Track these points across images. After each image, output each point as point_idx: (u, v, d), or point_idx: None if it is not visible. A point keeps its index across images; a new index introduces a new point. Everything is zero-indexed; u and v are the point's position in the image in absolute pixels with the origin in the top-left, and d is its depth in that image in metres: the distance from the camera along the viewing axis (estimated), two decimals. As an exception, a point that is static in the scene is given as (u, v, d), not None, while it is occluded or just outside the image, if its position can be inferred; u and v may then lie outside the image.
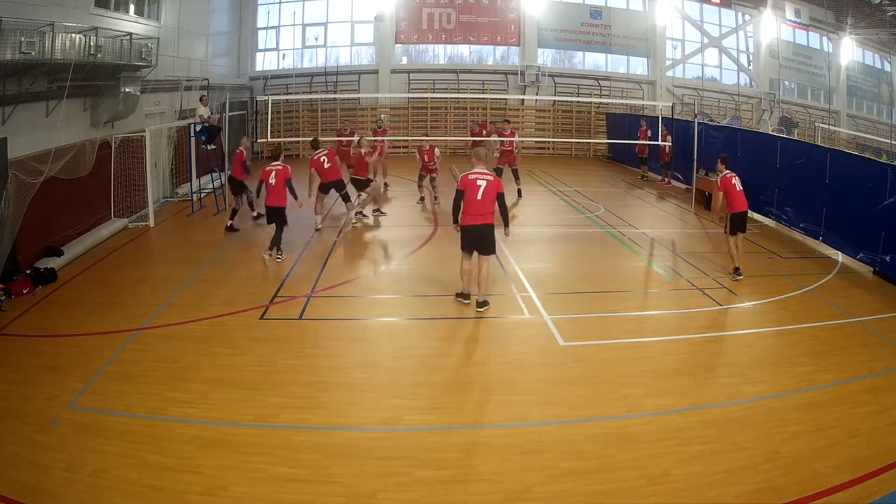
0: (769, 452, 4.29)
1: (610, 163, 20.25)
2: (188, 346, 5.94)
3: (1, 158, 7.55)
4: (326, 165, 10.19)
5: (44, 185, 7.95)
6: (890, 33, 23.92)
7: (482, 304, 6.91)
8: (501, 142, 13.03)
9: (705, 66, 24.71)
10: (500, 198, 6.80)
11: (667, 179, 15.92)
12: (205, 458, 4.18)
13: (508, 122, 14.67)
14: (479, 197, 6.70)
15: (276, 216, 8.63)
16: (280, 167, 8.68)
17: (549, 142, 21.80)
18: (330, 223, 10.89)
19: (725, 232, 8.33)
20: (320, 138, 11.54)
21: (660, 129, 13.78)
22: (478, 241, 6.83)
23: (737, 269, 8.18)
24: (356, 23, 21.81)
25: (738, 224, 8.20)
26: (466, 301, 7.06)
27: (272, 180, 8.58)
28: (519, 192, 13.32)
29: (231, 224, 10.41)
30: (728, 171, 8.32)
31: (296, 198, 8.72)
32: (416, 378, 5.42)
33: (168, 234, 10.61)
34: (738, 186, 8.23)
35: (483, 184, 6.71)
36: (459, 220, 6.91)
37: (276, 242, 8.55)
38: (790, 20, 23.78)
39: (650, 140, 15.48)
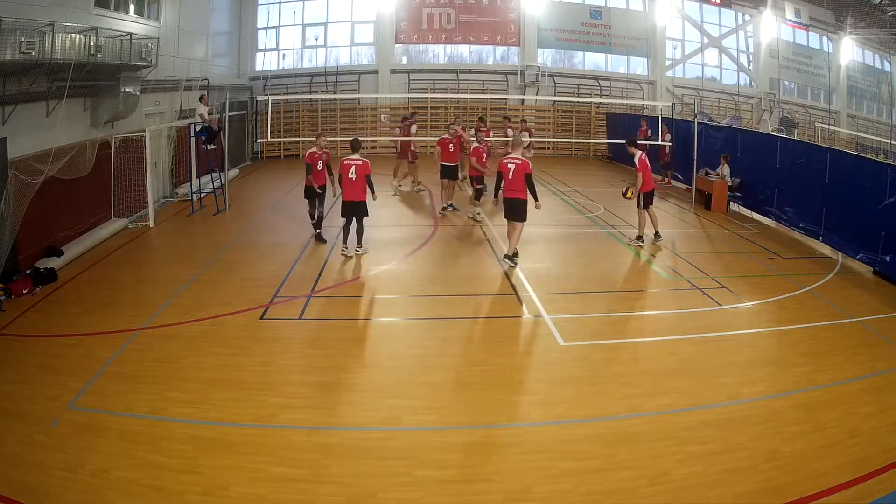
0: (769, 452, 4.29)
1: (610, 163, 20.25)
2: (188, 346, 5.93)
3: (1, 158, 7.54)
4: (451, 150, 11.47)
5: (44, 185, 7.94)
6: (890, 33, 23.93)
7: (509, 257, 8.47)
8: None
9: (705, 66, 24.71)
10: (528, 178, 8.30)
11: (667, 179, 15.91)
12: (205, 458, 4.18)
13: (483, 123, 13.15)
14: (510, 176, 8.30)
15: (357, 210, 8.70)
16: (360, 162, 8.59)
17: (549, 142, 21.79)
18: (328, 223, 10.88)
19: (639, 207, 9.74)
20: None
21: (660, 129, 13.78)
22: (510, 210, 8.46)
23: (640, 238, 9.83)
24: (356, 23, 21.83)
25: (649, 200, 9.70)
26: (514, 264, 8.45)
27: (352, 175, 8.51)
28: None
29: (319, 233, 9.78)
30: (642, 152, 9.77)
31: (373, 194, 8.82)
32: (416, 378, 5.41)
33: (168, 234, 10.61)
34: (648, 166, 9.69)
35: (512, 167, 8.32)
36: (500, 196, 8.52)
37: (359, 235, 8.84)
38: (790, 20, 23.79)
39: (650, 140, 15.47)
